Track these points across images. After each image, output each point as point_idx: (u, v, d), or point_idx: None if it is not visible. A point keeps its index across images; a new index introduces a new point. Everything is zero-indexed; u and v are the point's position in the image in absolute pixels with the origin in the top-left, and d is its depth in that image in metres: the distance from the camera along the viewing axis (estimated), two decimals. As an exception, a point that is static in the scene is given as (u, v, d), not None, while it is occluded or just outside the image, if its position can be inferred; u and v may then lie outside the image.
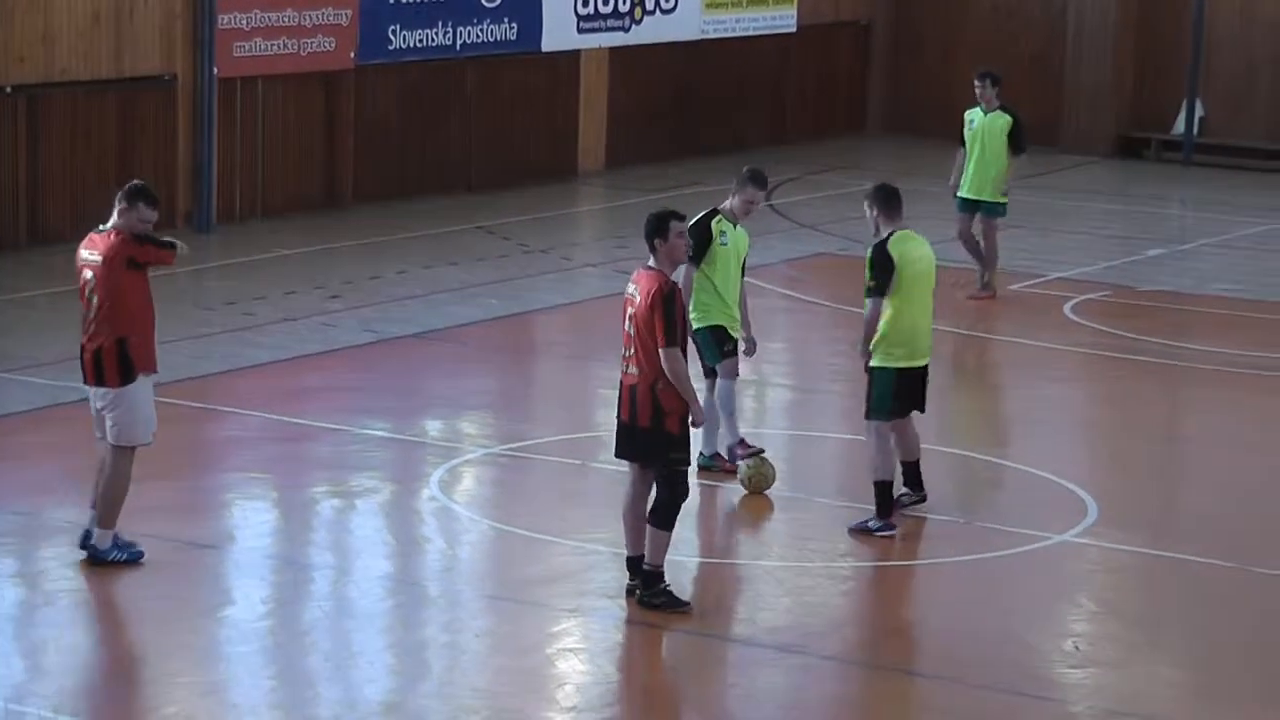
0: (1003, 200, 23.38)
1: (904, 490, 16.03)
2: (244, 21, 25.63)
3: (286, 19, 26.11)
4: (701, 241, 16.61)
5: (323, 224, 26.02)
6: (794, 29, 32.98)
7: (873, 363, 15.72)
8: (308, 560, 15.56)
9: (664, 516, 13.98)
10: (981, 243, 23.38)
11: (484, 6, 28.40)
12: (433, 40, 27.83)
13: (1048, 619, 14.51)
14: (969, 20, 34.34)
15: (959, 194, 23.40)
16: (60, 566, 14.48)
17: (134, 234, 14.61)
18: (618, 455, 14.55)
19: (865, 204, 15.98)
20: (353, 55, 26.97)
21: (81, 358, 14.71)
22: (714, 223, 16.62)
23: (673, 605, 13.89)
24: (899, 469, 16.00)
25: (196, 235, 25.13)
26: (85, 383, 14.79)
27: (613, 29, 30.28)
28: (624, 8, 30.36)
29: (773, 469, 16.76)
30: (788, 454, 18.51)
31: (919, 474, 16.10)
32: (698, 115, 31.67)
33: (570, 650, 13.55)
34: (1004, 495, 16.94)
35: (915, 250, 15.82)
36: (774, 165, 30.47)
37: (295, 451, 17.56)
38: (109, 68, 24.67)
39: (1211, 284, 24.56)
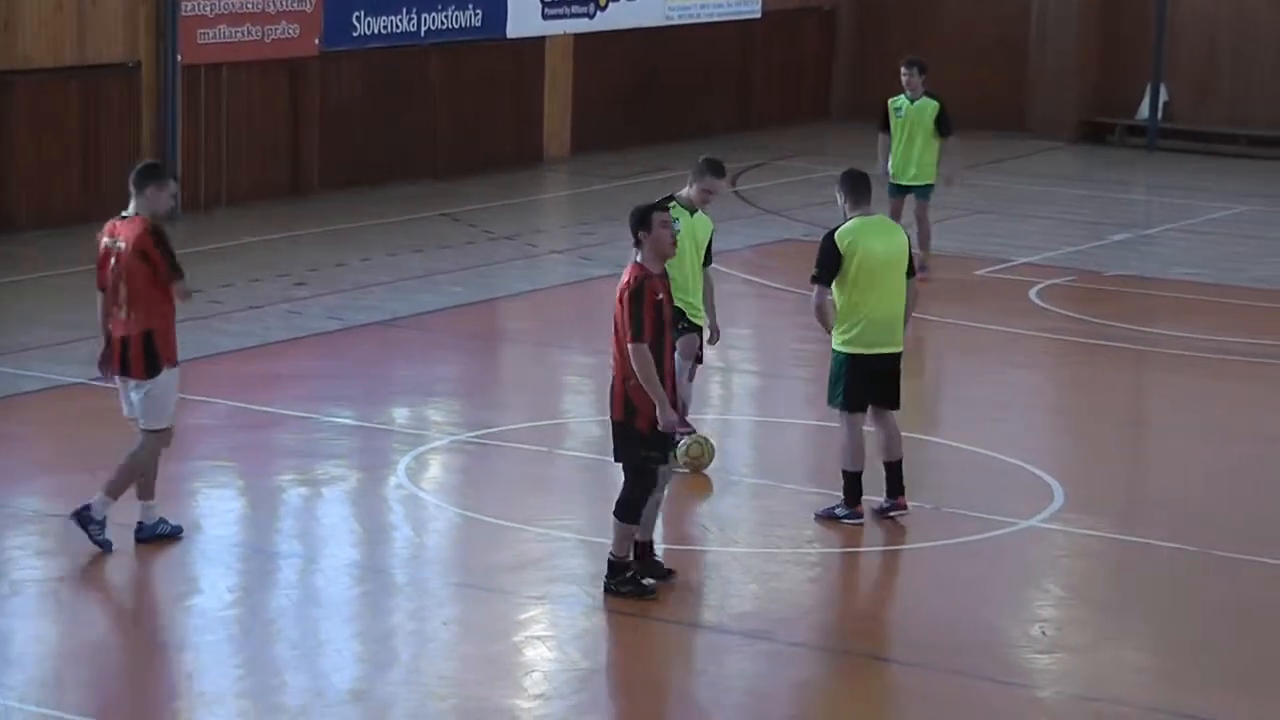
0: (931, 183, 23.63)
1: (884, 501, 15.75)
2: (207, 8, 25.58)
3: (251, 5, 26.07)
4: None
5: (288, 211, 25.99)
6: (759, 14, 33.02)
7: (832, 346, 15.61)
8: (274, 548, 15.53)
9: (626, 511, 13.95)
10: (915, 225, 23.38)
11: (449, -6, 28.45)
12: (397, 27, 27.80)
13: (1015, 604, 14.53)
14: (934, 6, 34.38)
15: (892, 179, 23.42)
16: (27, 555, 14.45)
17: (155, 231, 14.70)
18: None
19: (835, 189, 15.80)
20: (317, 42, 26.94)
21: (108, 344, 14.84)
22: (669, 208, 16.54)
23: (638, 592, 13.88)
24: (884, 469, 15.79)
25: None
26: (110, 369, 14.89)
27: (577, 15, 30.29)
28: (587, -6, 30.42)
29: (712, 448, 16.78)
30: (754, 440, 18.55)
31: (899, 478, 15.75)
32: (663, 101, 31.68)
33: (537, 637, 13.54)
34: (971, 481, 16.92)
35: (876, 238, 15.52)
36: (739, 151, 30.61)
37: (262, 439, 17.53)
38: (72, 55, 24.61)
39: (1176, 268, 24.63)
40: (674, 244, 14.14)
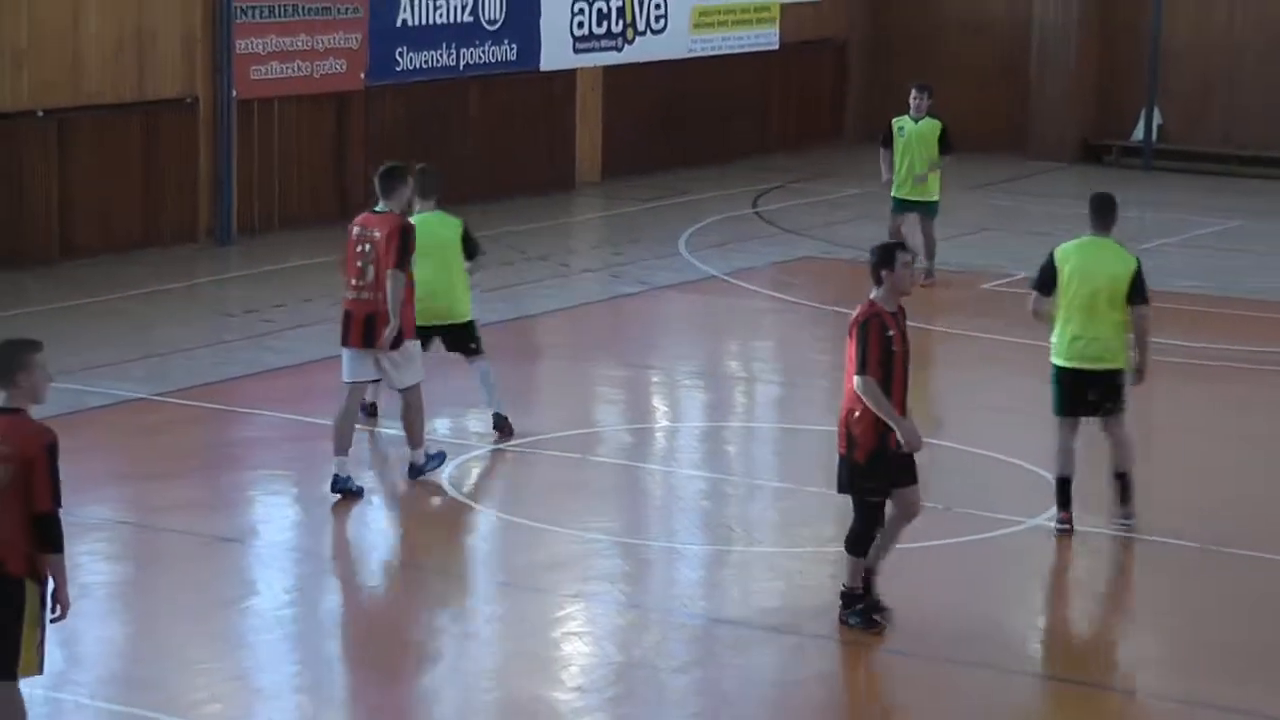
0: (936, 199, 23.71)
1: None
2: (260, 46, 25.61)
3: (300, 43, 26.11)
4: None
5: (336, 235, 25.85)
6: (776, 46, 33.02)
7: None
8: (327, 553, 15.57)
9: (853, 544, 13.50)
10: (921, 238, 23.39)
11: (485, 29, 28.41)
12: (437, 61, 27.84)
13: (1024, 598, 14.53)
14: (939, 36, 34.37)
15: (896, 195, 23.46)
16: (95, 560, 14.44)
17: (404, 226, 15.83)
18: None
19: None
20: (362, 76, 26.97)
21: (349, 319, 15.87)
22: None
23: (866, 626, 13.40)
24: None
25: (218, 248, 25.12)
26: (348, 343, 15.94)
27: (606, 49, 30.29)
28: (616, 29, 30.38)
29: None
30: (777, 446, 18.51)
31: (1126, 488, 15.47)
32: (687, 128, 31.66)
33: (574, 634, 13.55)
34: (979, 482, 16.89)
35: (1095, 259, 15.32)
36: (759, 174, 30.69)
37: (313, 450, 17.50)
38: (133, 91, 24.65)
39: (1174, 281, 24.52)
40: (913, 283, 13.73)
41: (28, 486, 10.13)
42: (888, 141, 23.74)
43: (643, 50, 30.74)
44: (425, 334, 16.74)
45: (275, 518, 16.18)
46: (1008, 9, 33.94)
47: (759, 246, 26.16)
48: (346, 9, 26.67)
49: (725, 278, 24.25)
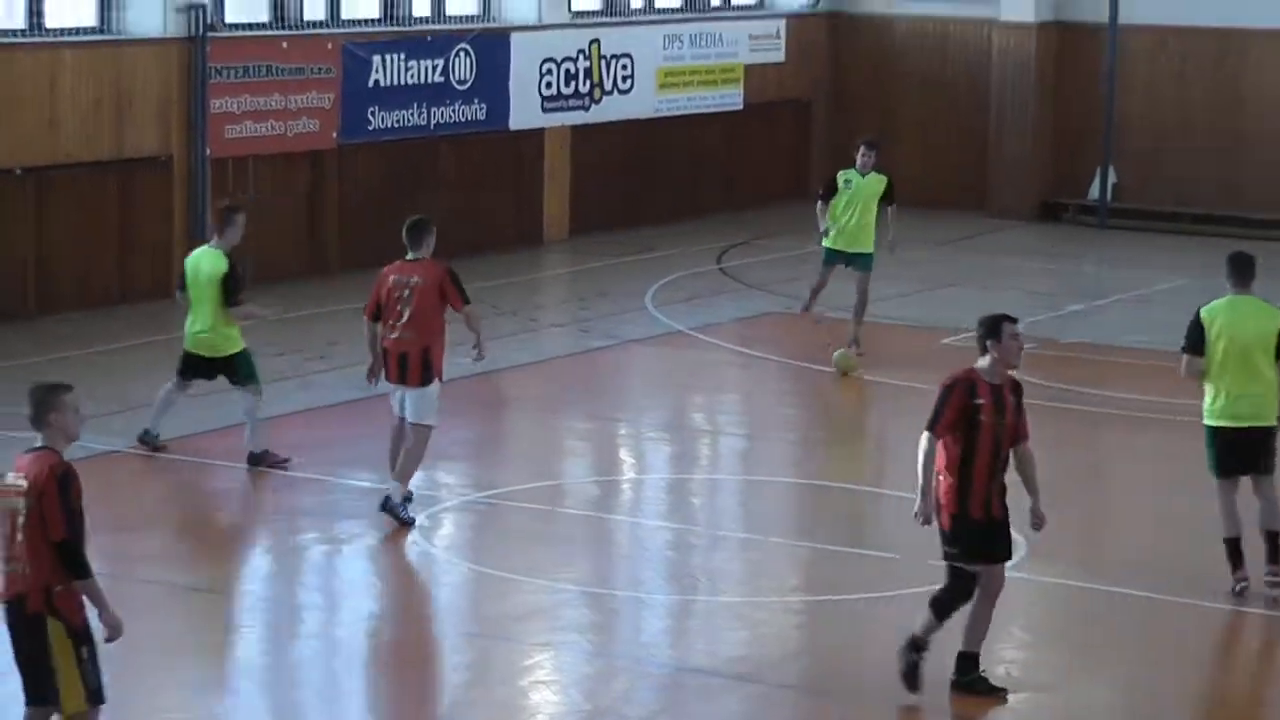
0: (871, 251, 23.22)
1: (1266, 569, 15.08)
2: (234, 105, 25.60)
3: (274, 103, 26.10)
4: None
5: (309, 291, 25.94)
6: (741, 106, 33.06)
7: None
8: (299, 602, 15.51)
9: (934, 603, 13.17)
10: (855, 296, 23.12)
11: (456, 89, 28.43)
12: (409, 120, 27.84)
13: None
14: (901, 96, 34.41)
15: (832, 246, 23.17)
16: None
17: (450, 270, 16.72)
18: None
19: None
20: (335, 135, 26.96)
21: (387, 357, 16.64)
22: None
23: (989, 691, 13.14)
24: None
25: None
26: (387, 378, 16.75)
27: (574, 108, 30.34)
28: (584, 89, 30.42)
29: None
30: (741, 497, 18.48)
31: (1276, 547, 15.06)
32: (654, 186, 31.64)
33: (543, 682, 13.53)
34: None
35: (1243, 317, 15.03)
36: (724, 230, 30.68)
37: (284, 502, 17.49)
38: (110, 149, 24.62)
39: (1127, 336, 24.61)
40: (1020, 355, 13.37)
41: (43, 519, 10.35)
42: (827, 195, 23.49)
43: (610, 110, 30.78)
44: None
45: (247, 569, 16.16)
46: (966, 71, 34.00)
47: (724, 302, 26.16)
48: (319, 69, 26.67)
49: (691, 332, 24.25)
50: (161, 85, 25.11)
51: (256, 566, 16.22)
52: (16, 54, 23.86)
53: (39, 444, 10.65)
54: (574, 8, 30.62)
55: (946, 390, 13.01)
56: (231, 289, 18.10)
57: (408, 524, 16.40)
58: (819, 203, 23.37)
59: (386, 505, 16.43)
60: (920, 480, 12.89)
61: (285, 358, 22.33)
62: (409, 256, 16.80)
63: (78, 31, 24.74)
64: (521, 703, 13.25)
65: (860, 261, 23.18)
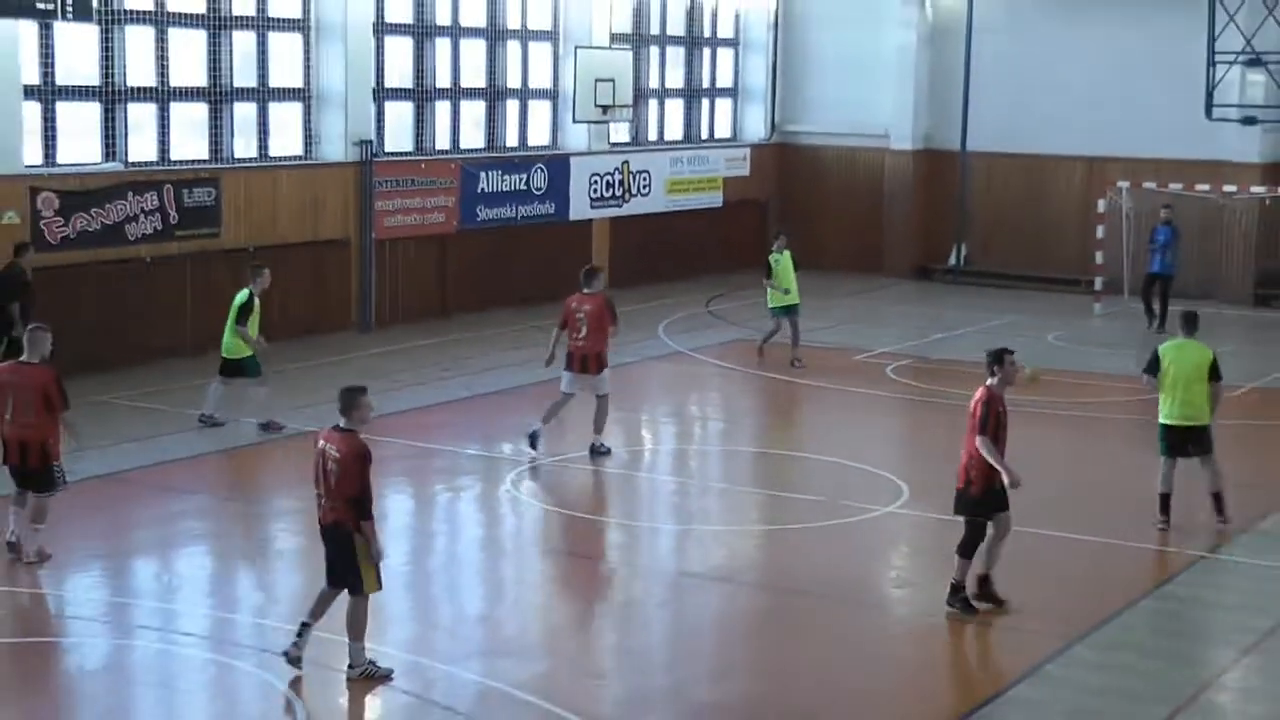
0: (798, 302, 23.41)
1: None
2: (391, 205, 25.64)
3: (415, 204, 26.13)
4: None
5: (438, 326, 25.97)
6: (720, 205, 33.03)
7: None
8: (432, 529, 15.50)
9: (964, 549, 12.84)
10: (792, 331, 23.15)
11: (534, 193, 28.43)
12: (504, 214, 27.85)
13: (879, 559, 14.46)
14: (825, 197, 34.30)
15: (782, 305, 23.26)
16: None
17: (609, 300, 17.52)
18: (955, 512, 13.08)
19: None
20: (455, 224, 26.96)
21: (571, 358, 17.37)
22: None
23: (964, 610, 12.70)
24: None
25: (361, 334, 25.05)
26: (570, 369, 17.35)
27: (611, 205, 30.33)
28: (619, 193, 30.42)
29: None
30: (723, 460, 18.42)
31: (1221, 503, 15.19)
32: (664, 256, 31.49)
33: (592, 580, 13.47)
34: (848, 483, 16.85)
35: (1185, 354, 15.11)
36: (710, 287, 30.60)
37: (423, 464, 17.49)
38: (310, 233, 24.66)
39: (975, 355, 24.49)
40: (1018, 376, 13.13)
41: (345, 479, 10.80)
42: (769, 273, 23.58)
43: (635, 206, 30.77)
44: None
45: (399, 507, 16.06)
46: (868, 180, 33.89)
47: (710, 333, 26.14)
48: (447, 181, 26.69)
49: (688, 352, 24.22)
50: (344, 192, 25.13)
51: (406, 505, 16.16)
52: (251, 174, 23.91)
53: (343, 425, 10.95)
54: (612, 140, 30.61)
55: (988, 404, 12.61)
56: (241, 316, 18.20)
57: (607, 453, 17.23)
58: (765, 279, 23.53)
59: (593, 451, 17.26)
60: (1000, 464, 12.59)
61: (425, 369, 22.32)
62: (585, 290, 17.54)
63: (292, 159, 24.80)
64: (578, 595, 13.24)
65: (794, 310, 23.31)
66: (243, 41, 23.96)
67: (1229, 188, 28.62)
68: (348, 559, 10.91)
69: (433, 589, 13.56)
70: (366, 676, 10.97)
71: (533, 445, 17.27)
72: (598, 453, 17.34)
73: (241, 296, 18.30)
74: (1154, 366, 15.25)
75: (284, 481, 16.70)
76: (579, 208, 29.51)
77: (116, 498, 15.58)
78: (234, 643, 11.80)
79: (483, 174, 27.37)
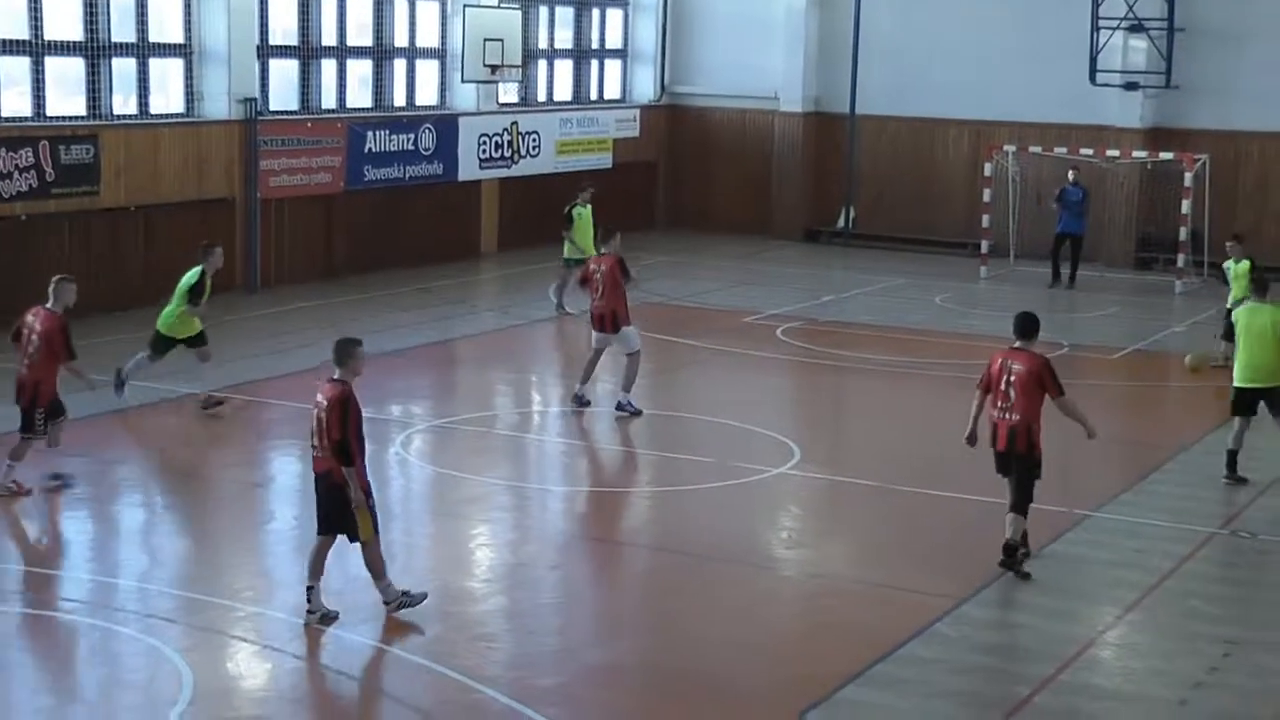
0: (570, 258, 23.56)
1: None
2: (276, 165, 25.27)
3: (302, 163, 25.77)
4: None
5: (326, 287, 25.70)
6: (610, 165, 32.91)
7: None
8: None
9: (1022, 507, 12.71)
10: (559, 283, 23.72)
11: (423, 154, 28.17)
12: (392, 174, 27.56)
13: (771, 520, 14.53)
14: (714, 158, 34.34)
15: (577, 258, 23.11)
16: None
17: (621, 259, 17.51)
18: (1000, 472, 12.82)
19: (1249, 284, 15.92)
20: (342, 184, 26.64)
21: (593, 316, 17.69)
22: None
23: (1012, 568, 12.62)
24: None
25: (248, 295, 24.71)
26: (595, 328, 17.69)
27: (500, 166, 30.13)
28: (507, 154, 30.22)
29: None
30: (614, 423, 18.42)
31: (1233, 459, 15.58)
32: (553, 218, 31.11)
33: (483, 545, 13.45)
34: (741, 445, 16.94)
35: (1255, 315, 15.30)
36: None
37: (305, 428, 17.25)
38: (194, 192, 24.26)
39: (861, 316, 24.74)
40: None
41: (330, 424, 11.03)
42: (569, 223, 23.80)
43: (524, 167, 30.58)
44: None
45: (290, 469, 15.87)
46: (758, 142, 33.95)
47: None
48: (333, 140, 26.35)
49: (577, 314, 24.14)
50: (228, 151, 24.75)
51: (295, 469, 15.93)
52: (131, 132, 23.44)
53: (336, 376, 11.23)
54: (500, 100, 30.40)
55: (1049, 365, 12.61)
56: (192, 296, 17.38)
57: (637, 414, 17.48)
58: (564, 231, 23.87)
59: (619, 406, 17.58)
60: (1085, 420, 12.80)
61: (310, 330, 22.08)
62: (601, 251, 17.84)
63: (174, 116, 24.36)
64: (468, 558, 13.17)
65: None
66: (121, -6, 23.54)
67: (1112, 152, 29.03)
68: (342, 507, 11.16)
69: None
70: (401, 607, 11.38)
71: (582, 404, 17.85)
72: (622, 409, 17.63)
73: (191, 276, 17.43)
74: (1228, 329, 15.62)
75: (170, 444, 16.45)
76: (468, 168, 29.27)
77: (-6, 461, 15.27)
78: (118, 608, 11.60)
79: (370, 134, 27.05)
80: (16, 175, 21.57)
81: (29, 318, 14.18)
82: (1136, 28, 29.98)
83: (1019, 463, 12.68)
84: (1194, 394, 19.63)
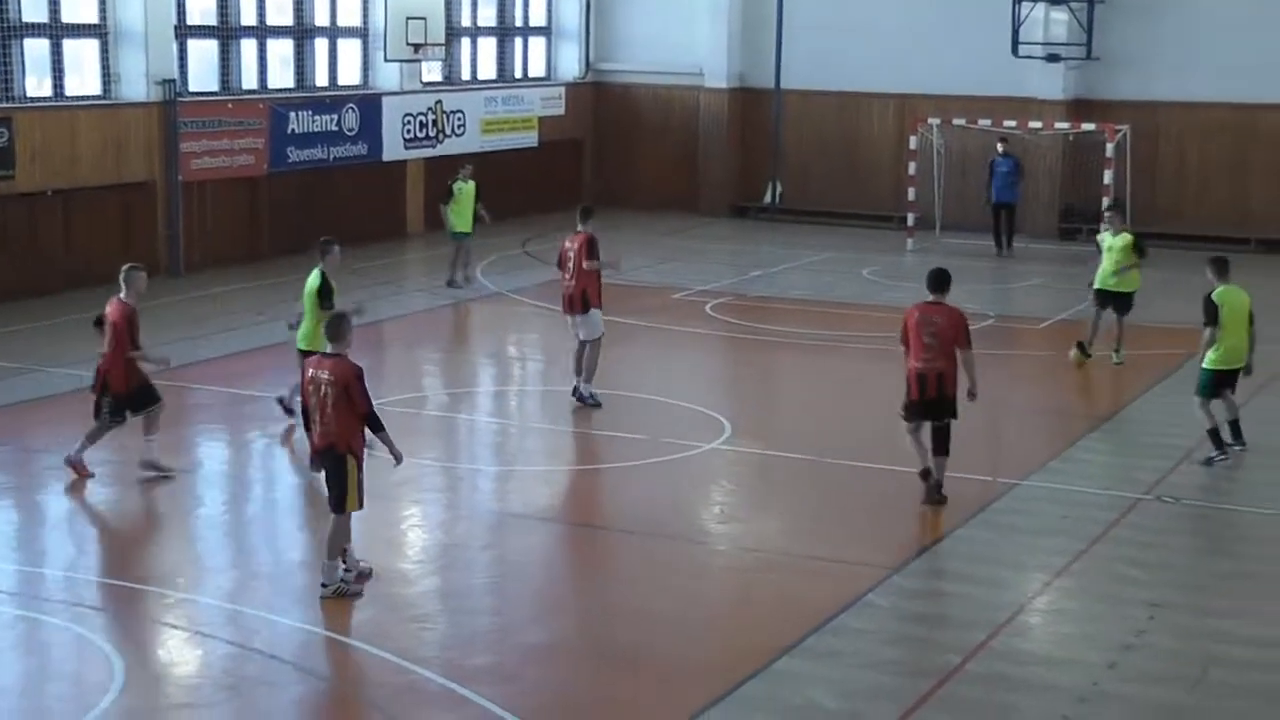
0: (470, 231, 24.50)
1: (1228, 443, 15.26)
2: (197, 147, 25.06)
3: (224, 145, 25.57)
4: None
5: (250, 270, 25.53)
6: (536, 144, 32.85)
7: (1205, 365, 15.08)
8: (249, 476, 15.23)
9: (947, 447, 13.79)
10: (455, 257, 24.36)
11: (347, 134, 28.03)
12: (316, 156, 27.42)
13: (704, 494, 14.59)
14: (640, 135, 34.38)
15: (461, 230, 24.36)
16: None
17: (593, 238, 16.85)
18: (915, 418, 13.77)
19: (1208, 270, 15.24)
20: (265, 166, 26.46)
21: (564, 296, 17.04)
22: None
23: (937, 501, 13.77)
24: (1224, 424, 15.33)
25: (170, 279, 24.50)
26: (564, 310, 17.12)
27: (425, 146, 30.02)
28: (432, 133, 30.10)
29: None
30: (541, 401, 18.40)
31: (1238, 430, 15.36)
32: (481, 198, 31.29)
33: (415, 526, 13.40)
34: (671, 421, 16.96)
35: (1235, 296, 15.09)
36: (525, 228, 30.47)
37: (237, 411, 17.20)
38: (113, 176, 24.02)
39: (790, 291, 24.86)
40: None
41: (350, 399, 11.20)
42: (448, 197, 24.32)
43: (449, 147, 30.46)
44: None
45: (213, 455, 15.79)
46: (683, 119, 34.01)
47: (527, 274, 26.06)
48: (255, 122, 26.15)
49: (507, 294, 24.15)
50: (148, 134, 24.50)
51: (219, 454, 15.87)
52: (46, 115, 23.15)
53: (330, 351, 11.38)
54: (424, 79, 30.25)
55: (965, 321, 13.62)
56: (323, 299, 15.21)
57: (593, 404, 16.90)
58: (442, 205, 24.47)
59: (579, 396, 16.97)
60: (976, 375, 13.64)
61: (234, 314, 21.95)
62: (579, 229, 16.99)
63: (90, 98, 24.07)
64: (400, 540, 13.15)
65: (466, 238, 24.39)
66: (33, -26, 23.25)
67: (1035, 124, 29.28)
68: (340, 479, 11.33)
69: (251, 537, 13.35)
70: (339, 595, 11.39)
71: (584, 400, 16.99)
72: (581, 400, 16.98)
73: (314, 280, 15.27)
74: (1213, 315, 14.99)
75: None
76: (392, 148, 29.17)
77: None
78: (44, 598, 11.50)
79: (292, 114, 26.88)
80: (-74, 158, 21.37)
81: (107, 308, 14.23)
82: (1057, 0, 30.24)
83: (945, 408, 13.59)
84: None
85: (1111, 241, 19.22)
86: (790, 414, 18.11)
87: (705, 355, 20.97)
